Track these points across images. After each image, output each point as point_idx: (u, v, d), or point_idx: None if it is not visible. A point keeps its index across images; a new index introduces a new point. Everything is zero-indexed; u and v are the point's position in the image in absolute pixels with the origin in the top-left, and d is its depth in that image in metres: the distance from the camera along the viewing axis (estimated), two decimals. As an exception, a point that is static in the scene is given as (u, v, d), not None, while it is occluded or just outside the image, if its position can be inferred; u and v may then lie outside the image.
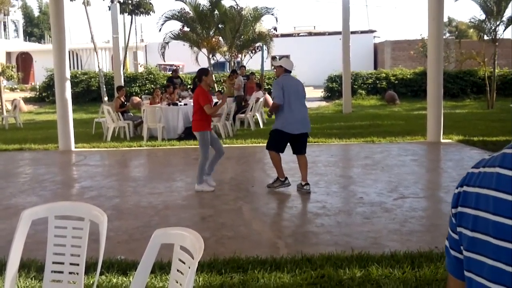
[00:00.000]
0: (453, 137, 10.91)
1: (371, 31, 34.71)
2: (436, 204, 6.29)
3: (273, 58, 28.87)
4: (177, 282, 2.21)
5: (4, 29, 39.19)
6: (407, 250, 4.35)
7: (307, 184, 6.68)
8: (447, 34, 32.82)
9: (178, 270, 2.21)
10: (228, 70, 21.35)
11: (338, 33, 23.69)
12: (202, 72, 6.84)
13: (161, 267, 3.92)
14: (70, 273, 2.58)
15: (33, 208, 2.62)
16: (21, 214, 2.56)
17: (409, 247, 4.47)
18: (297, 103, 6.59)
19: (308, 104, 23.73)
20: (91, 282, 3.67)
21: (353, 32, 19.84)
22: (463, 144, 10.37)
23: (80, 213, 2.62)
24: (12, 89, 28.77)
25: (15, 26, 42.76)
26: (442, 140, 10.65)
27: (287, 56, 33.38)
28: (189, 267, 2.08)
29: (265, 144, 6.99)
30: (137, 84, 23.74)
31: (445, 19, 13.99)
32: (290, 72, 6.89)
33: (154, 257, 2.30)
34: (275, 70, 6.96)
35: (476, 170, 1.07)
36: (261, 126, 13.89)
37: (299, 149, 6.76)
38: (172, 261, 2.25)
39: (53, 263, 2.60)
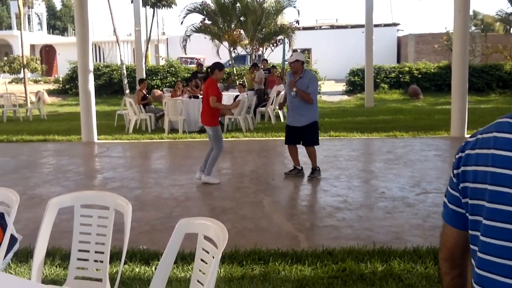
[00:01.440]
0: (477, 133, 10.70)
1: (395, 24, 34.25)
2: (459, 199, 6.19)
3: (295, 51, 28.80)
4: (200, 271, 2.23)
5: (28, 22, 39.81)
6: (430, 246, 4.30)
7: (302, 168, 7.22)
8: (473, 28, 32.23)
9: (201, 260, 2.22)
10: (249, 63, 21.31)
11: (361, 26, 23.50)
12: (217, 66, 6.89)
13: (183, 258, 3.95)
14: (95, 261, 2.62)
15: (59, 197, 2.66)
16: (48, 202, 2.60)
17: (432, 242, 4.41)
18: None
19: (330, 98, 23.57)
20: (115, 270, 3.72)
21: (376, 25, 19.63)
22: (488, 139, 10.17)
23: (105, 202, 2.65)
24: (36, 81, 29.27)
25: (39, 19, 43.42)
26: (466, 135, 10.47)
27: (308, 50, 33.25)
28: (213, 257, 2.09)
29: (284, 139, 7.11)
30: (158, 77, 23.88)
31: (471, 12, 13.76)
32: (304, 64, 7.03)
33: (178, 246, 2.31)
34: (290, 66, 6.91)
35: (472, 138, 1.35)
36: (282, 119, 13.86)
37: None
38: (196, 250, 2.26)
39: (79, 251, 2.64)
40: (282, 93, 14.75)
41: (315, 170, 7.03)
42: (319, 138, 7.25)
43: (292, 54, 7.22)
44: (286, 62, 20.04)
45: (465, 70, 10.39)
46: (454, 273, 1.46)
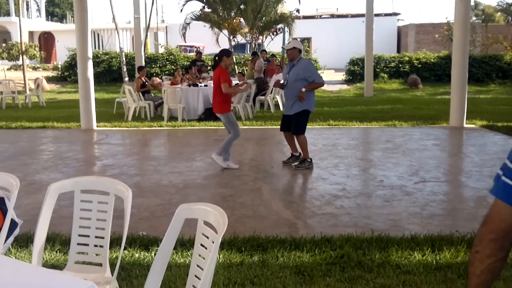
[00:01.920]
0: (476, 122, 10.73)
1: (395, 14, 34.12)
2: (457, 188, 6.22)
3: (294, 39, 28.68)
4: (199, 256, 2.24)
5: (27, 9, 39.56)
6: (428, 233, 4.33)
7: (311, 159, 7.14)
8: (474, 18, 32.10)
9: (201, 245, 2.24)
10: (248, 52, 21.25)
11: (361, 15, 23.40)
12: (224, 53, 6.90)
13: (182, 244, 3.98)
14: (95, 246, 2.64)
15: (60, 182, 2.67)
16: (48, 187, 2.61)
17: (430, 230, 4.45)
18: None
19: (329, 87, 23.51)
20: (114, 256, 3.75)
21: (376, 15, 19.55)
22: (487, 129, 10.20)
23: (106, 187, 2.66)
24: (34, 68, 29.17)
25: (37, 5, 43.15)
26: (465, 125, 10.49)
27: (308, 39, 33.05)
28: (213, 242, 2.11)
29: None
30: (158, 65, 23.81)
31: (472, 2, 13.71)
32: (301, 52, 7.00)
33: (178, 231, 2.33)
34: (286, 53, 6.93)
35: None
36: (281, 108, 13.84)
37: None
38: (196, 235, 2.28)
39: (79, 236, 2.66)
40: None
41: (303, 161, 7.01)
42: (308, 127, 7.07)
43: (289, 41, 7.20)
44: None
45: (465, 60, 10.36)
46: (499, 255, 1.35)
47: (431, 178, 6.45)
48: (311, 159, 7.05)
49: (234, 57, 20.35)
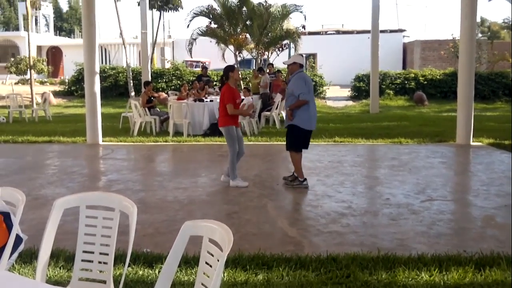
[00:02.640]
0: (483, 140, 10.68)
1: (401, 30, 34.25)
2: (465, 207, 6.16)
3: (300, 55, 28.75)
4: (204, 274, 2.22)
5: (36, 24, 40.01)
6: (435, 253, 4.27)
7: (305, 179, 6.92)
8: (479, 35, 32.18)
9: (206, 263, 2.21)
10: (254, 67, 21.32)
11: (367, 31, 23.51)
12: (229, 69, 6.92)
13: (187, 261, 3.94)
14: (99, 262, 2.61)
15: (65, 197, 2.66)
16: (53, 203, 2.60)
17: (437, 250, 4.39)
18: (313, 99, 6.85)
19: (335, 103, 23.53)
20: (118, 273, 3.71)
21: (382, 31, 19.64)
22: (494, 147, 10.14)
23: (111, 203, 2.64)
24: (42, 83, 29.39)
25: (46, 20, 43.62)
26: (472, 143, 10.44)
27: (314, 55, 33.25)
28: (218, 260, 2.09)
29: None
30: (164, 80, 23.95)
31: (478, 19, 13.78)
32: (303, 67, 6.95)
33: (183, 248, 2.30)
34: (287, 68, 6.94)
35: None
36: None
37: (307, 145, 6.92)
38: (201, 253, 2.25)
39: (83, 252, 2.63)
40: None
41: (294, 179, 6.91)
42: (313, 143, 7.05)
43: (291, 57, 7.22)
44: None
45: (471, 77, 10.36)
46: None
47: (438, 197, 6.39)
48: (304, 179, 6.86)
49: (240, 72, 20.47)
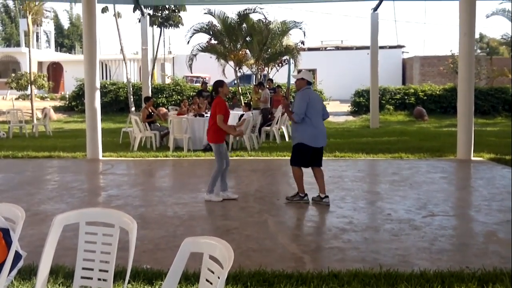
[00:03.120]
0: (484, 155, 10.67)
1: (400, 46, 34.43)
2: (466, 223, 6.13)
3: (299, 71, 28.89)
4: (206, 293, 2.19)
5: (37, 40, 40.25)
6: (437, 269, 4.23)
7: (327, 196, 6.76)
8: (478, 51, 32.33)
9: (207, 280, 2.19)
10: (254, 83, 21.40)
11: (366, 47, 23.63)
12: (218, 85, 7.06)
13: (187, 278, 3.90)
14: (98, 279, 2.59)
15: (65, 214, 2.64)
16: (53, 219, 2.58)
17: (439, 266, 4.35)
18: (319, 116, 6.77)
19: (334, 119, 23.57)
20: (117, 290, 3.67)
21: (381, 47, 19.76)
22: (495, 162, 10.13)
23: (111, 219, 2.63)
24: (42, 98, 29.46)
25: (47, 36, 43.93)
26: (472, 158, 10.43)
27: (313, 70, 33.47)
28: (219, 277, 2.06)
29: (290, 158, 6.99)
30: (164, 95, 24.03)
31: (476, 36, 13.89)
32: (311, 84, 6.90)
33: (183, 265, 2.28)
34: (295, 83, 6.95)
35: None
36: (287, 139, 13.85)
37: (319, 162, 6.83)
38: (201, 270, 2.23)
39: (83, 269, 2.61)
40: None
41: (295, 194, 6.90)
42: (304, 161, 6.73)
43: (299, 72, 7.24)
44: (292, 82, 20.15)
45: (471, 93, 10.39)
46: None
47: (440, 212, 6.36)
48: (305, 194, 6.85)
49: (240, 88, 20.51)
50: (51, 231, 2.53)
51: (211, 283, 2.16)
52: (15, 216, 2.60)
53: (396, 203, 6.83)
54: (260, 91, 15.63)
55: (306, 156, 6.71)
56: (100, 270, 2.60)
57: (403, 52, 34.35)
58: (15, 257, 2.44)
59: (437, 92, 22.82)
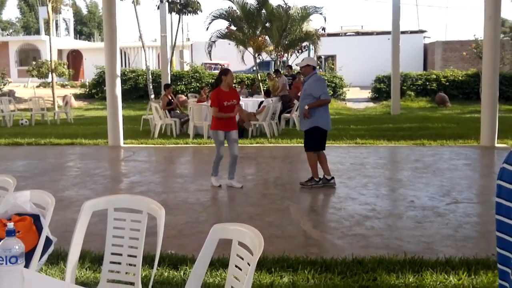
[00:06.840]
0: (508, 142, 10.48)
1: (421, 31, 33.89)
2: (491, 210, 5.98)
3: (319, 58, 28.57)
4: (235, 278, 2.20)
5: (56, 28, 40.56)
6: (463, 256, 4.19)
7: (333, 178, 6.91)
8: (502, 35, 31.63)
9: (236, 266, 2.19)
10: (272, 69, 21.29)
11: (387, 33, 23.33)
12: (222, 73, 6.98)
13: (212, 263, 3.92)
14: (127, 264, 2.61)
15: (94, 200, 2.67)
16: (82, 205, 2.61)
17: (464, 253, 4.30)
18: None
19: (355, 105, 23.34)
20: (144, 274, 3.71)
21: (402, 32, 19.43)
22: (519, 149, 9.94)
23: (139, 206, 2.65)
24: (63, 86, 29.77)
25: (66, 24, 44.25)
26: (496, 145, 10.25)
27: (333, 56, 33.09)
28: (248, 264, 2.06)
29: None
30: (183, 82, 24.08)
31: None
32: (316, 68, 6.98)
33: (212, 251, 2.29)
34: (301, 71, 6.97)
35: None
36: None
37: (324, 145, 6.92)
38: (230, 256, 2.23)
39: (111, 254, 2.64)
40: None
41: (310, 179, 6.90)
42: (335, 145, 7.06)
43: (303, 59, 7.18)
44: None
45: (495, 78, 10.18)
46: None
47: (464, 199, 6.28)
48: (320, 178, 6.86)
49: (259, 74, 20.42)
50: (80, 217, 2.56)
51: (240, 269, 2.16)
52: (45, 203, 2.63)
53: (419, 190, 6.76)
54: (277, 78, 15.54)
55: (322, 139, 6.82)
56: (129, 256, 2.62)
57: (424, 37, 33.79)
58: (46, 242, 2.48)
59: (460, 78, 22.41)
